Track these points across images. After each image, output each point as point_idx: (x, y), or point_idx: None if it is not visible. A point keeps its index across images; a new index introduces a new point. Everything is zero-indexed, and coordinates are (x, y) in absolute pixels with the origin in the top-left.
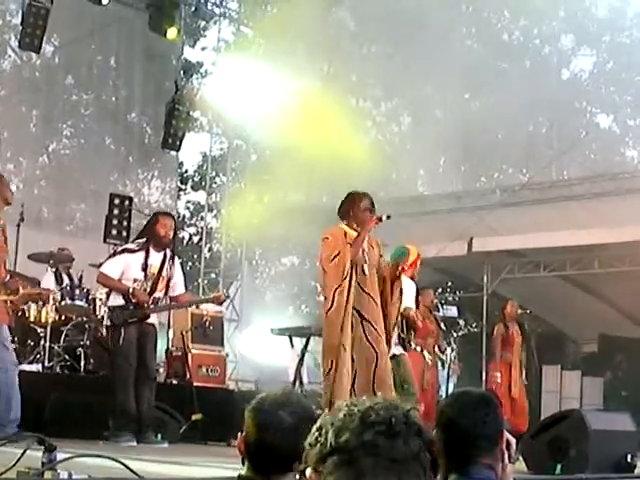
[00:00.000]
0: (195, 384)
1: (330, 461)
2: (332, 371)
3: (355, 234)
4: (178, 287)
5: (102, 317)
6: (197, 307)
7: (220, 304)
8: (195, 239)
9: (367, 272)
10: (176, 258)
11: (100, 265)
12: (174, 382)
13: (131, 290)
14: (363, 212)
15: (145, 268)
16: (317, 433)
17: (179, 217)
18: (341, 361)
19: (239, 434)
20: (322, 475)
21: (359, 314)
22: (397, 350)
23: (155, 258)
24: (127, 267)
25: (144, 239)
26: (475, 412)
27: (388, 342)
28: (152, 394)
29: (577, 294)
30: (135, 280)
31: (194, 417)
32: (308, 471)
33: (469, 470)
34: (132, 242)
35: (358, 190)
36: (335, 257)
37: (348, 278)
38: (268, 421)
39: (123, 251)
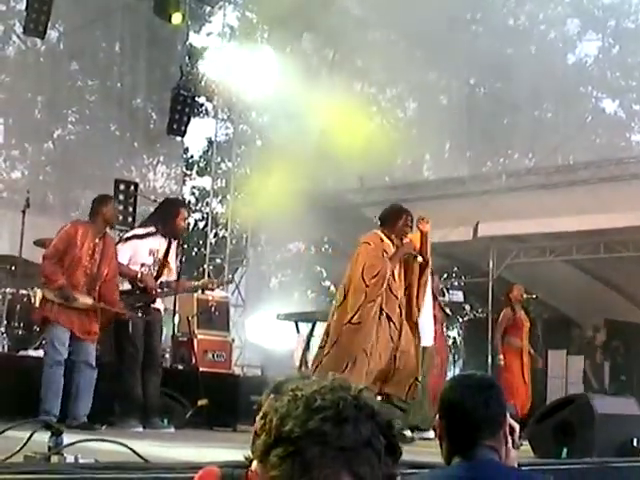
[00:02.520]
0: (201, 369)
1: (274, 453)
2: (347, 372)
3: (388, 242)
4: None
5: None
6: (203, 292)
7: (213, 290)
8: (200, 225)
9: (395, 275)
10: (174, 242)
11: None
12: (180, 367)
13: (139, 275)
14: (404, 227)
15: (153, 253)
16: (262, 421)
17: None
18: (361, 363)
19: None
20: (266, 468)
21: (388, 317)
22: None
23: (162, 243)
24: (135, 253)
25: (153, 226)
26: (477, 395)
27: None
28: (158, 379)
29: (583, 279)
30: (143, 265)
31: (200, 402)
32: (254, 464)
33: (472, 453)
34: (140, 227)
35: (404, 206)
36: (377, 274)
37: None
38: None
39: (132, 237)
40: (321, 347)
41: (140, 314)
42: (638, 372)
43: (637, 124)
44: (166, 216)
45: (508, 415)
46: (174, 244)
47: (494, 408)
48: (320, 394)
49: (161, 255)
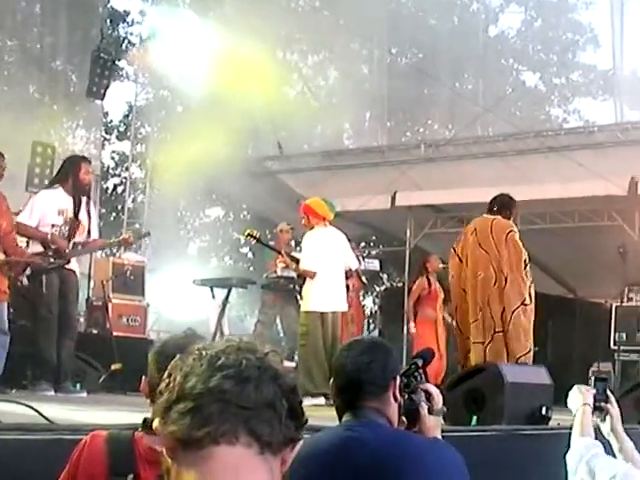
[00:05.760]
0: (115, 334)
1: (175, 409)
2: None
3: None
4: (93, 233)
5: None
6: (119, 257)
7: (129, 245)
8: (119, 189)
9: None
10: (92, 203)
11: (17, 215)
12: (94, 332)
13: (49, 237)
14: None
15: (62, 213)
16: (167, 380)
17: (103, 167)
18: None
19: (143, 378)
20: (166, 424)
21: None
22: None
23: (70, 202)
24: (44, 214)
25: (58, 185)
26: (360, 357)
27: None
28: (72, 344)
29: None
30: (53, 225)
31: (113, 367)
32: (155, 422)
33: (355, 413)
34: (47, 187)
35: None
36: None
37: None
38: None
39: (38, 199)
40: (499, 332)
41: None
42: (552, 343)
43: (557, 97)
44: (69, 173)
45: (399, 379)
46: (84, 201)
47: (377, 371)
48: (225, 353)
49: (71, 214)
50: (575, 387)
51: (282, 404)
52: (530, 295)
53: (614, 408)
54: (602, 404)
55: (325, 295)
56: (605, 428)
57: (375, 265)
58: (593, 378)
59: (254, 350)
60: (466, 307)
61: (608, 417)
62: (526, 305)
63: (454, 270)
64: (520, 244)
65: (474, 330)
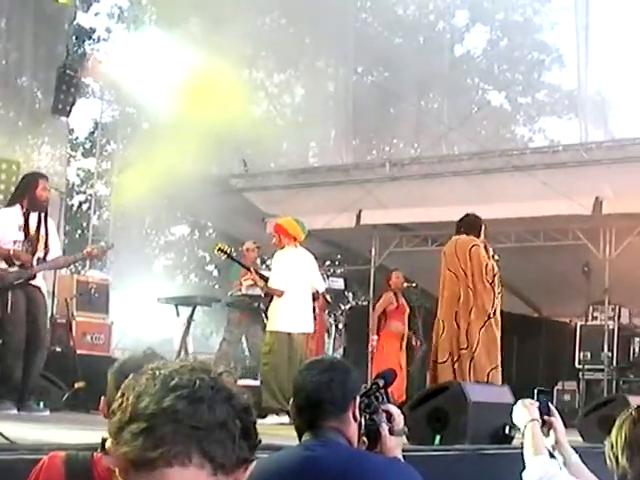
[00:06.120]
0: (78, 352)
1: (128, 429)
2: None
3: None
4: (54, 250)
5: None
6: (83, 274)
7: (93, 258)
8: (84, 207)
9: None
10: (50, 220)
11: None
12: (58, 349)
13: (12, 252)
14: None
15: (23, 228)
16: (119, 399)
17: (69, 184)
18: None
19: (102, 398)
20: (119, 445)
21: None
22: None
23: (31, 218)
24: (4, 232)
25: (17, 202)
26: (320, 376)
27: None
28: (42, 362)
29: None
30: (15, 242)
31: (77, 385)
32: (108, 442)
33: (315, 433)
34: (6, 205)
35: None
36: (494, 274)
37: None
38: None
39: None
40: (463, 348)
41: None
42: (517, 362)
43: (522, 117)
44: (26, 190)
45: (358, 399)
46: (43, 218)
47: (336, 390)
48: (179, 373)
49: (30, 230)
50: (519, 402)
51: (235, 424)
52: (494, 307)
53: (558, 421)
54: (546, 417)
55: (293, 315)
56: (549, 442)
57: (340, 284)
58: (536, 391)
59: (208, 370)
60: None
61: (552, 431)
62: (491, 318)
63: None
64: (483, 257)
65: (440, 350)
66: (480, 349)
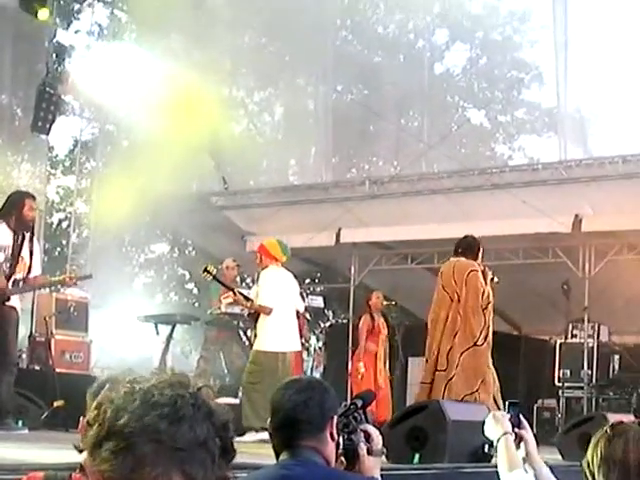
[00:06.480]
0: (58, 370)
1: (106, 446)
2: (479, 392)
3: None
4: (35, 269)
5: None
6: (62, 292)
7: (70, 285)
8: (64, 225)
9: None
10: (35, 239)
11: None
12: (36, 368)
13: None
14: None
15: (3, 250)
16: (95, 411)
17: (48, 202)
18: (488, 382)
19: (82, 418)
20: (96, 462)
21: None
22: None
23: (13, 238)
24: None
25: (1, 221)
26: (297, 396)
27: None
28: (12, 379)
29: None
30: None
31: (56, 403)
32: (83, 455)
33: (293, 452)
34: None
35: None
36: (489, 299)
37: None
38: None
39: None
40: (441, 370)
41: None
42: (497, 380)
43: (502, 135)
44: (12, 209)
45: (336, 418)
46: (27, 237)
47: (314, 409)
48: (158, 389)
49: (13, 251)
50: (490, 414)
51: (215, 443)
52: (485, 336)
53: (528, 433)
54: (517, 430)
55: (283, 334)
56: (519, 454)
57: (319, 302)
58: (507, 403)
59: (187, 385)
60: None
61: (522, 443)
62: (478, 346)
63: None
64: (480, 283)
65: (425, 371)
66: (459, 374)
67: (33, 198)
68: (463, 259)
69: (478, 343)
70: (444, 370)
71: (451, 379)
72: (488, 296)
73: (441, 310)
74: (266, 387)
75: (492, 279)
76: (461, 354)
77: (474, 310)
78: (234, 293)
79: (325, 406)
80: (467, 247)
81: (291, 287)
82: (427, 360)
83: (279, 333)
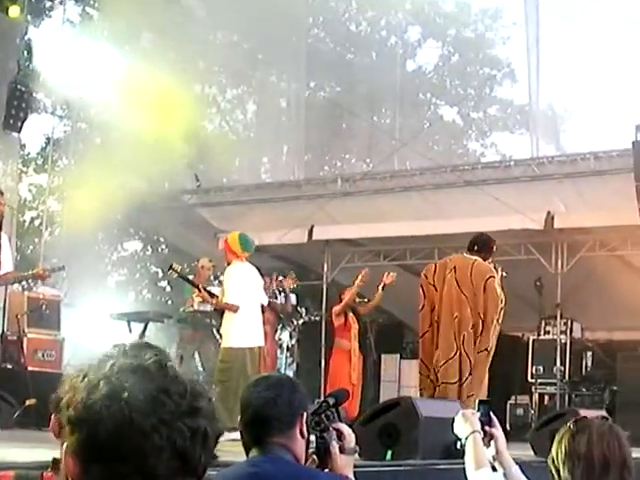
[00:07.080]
0: (30, 369)
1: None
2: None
3: None
4: (6, 265)
5: None
6: (34, 291)
7: (43, 280)
8: (36, 223)
9: None
10: (3, 234)
11: None
12: (8, 367)
13: None
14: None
15: None
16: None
17: (20, 200)
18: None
19: (52, 416)
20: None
21: None
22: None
23: None
24: None
25: None
26: (266, 393)
27: None
28: None
29: (417, 284)
30: None
31: (28, 402)
32: (54, 454)
33: (263, 449)
34: None
35: None
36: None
37: None
38: None
39: None
40: (467, 372)
41: None
42: None
43: (474, 132)
44: None
45: (306, 415)
46: None
47: (283, 406)
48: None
49: None
50: (460, 412)
51: (198, 443)
52: (493, 342)
53: (499, 431)
54: (487, 428)
55: (249, 330)
56: (490, 452)
57: (292, 300)
58: (477, 401)
59: (174, 380)
60: (435, 340)
61: (492, 441)
62: (488, 351)
63: (429, 300)
64: (498, 290)
65: (447, 370)
66: (475, 377)
67: (1, 193)
68: (479, 259)
69: (489, 349)
70: (469, 373)
71: (467, 378)
72: (504, 305)
73: (462, 311)
74: (235, 384)
75: (502, 276)
76: (475, 358)
77: (493, 318)
78: (199, 290)
79: (294, 403)
80: (483, 245)
81: (254, 282)
82: (446, 360)
83: (245, 329)
